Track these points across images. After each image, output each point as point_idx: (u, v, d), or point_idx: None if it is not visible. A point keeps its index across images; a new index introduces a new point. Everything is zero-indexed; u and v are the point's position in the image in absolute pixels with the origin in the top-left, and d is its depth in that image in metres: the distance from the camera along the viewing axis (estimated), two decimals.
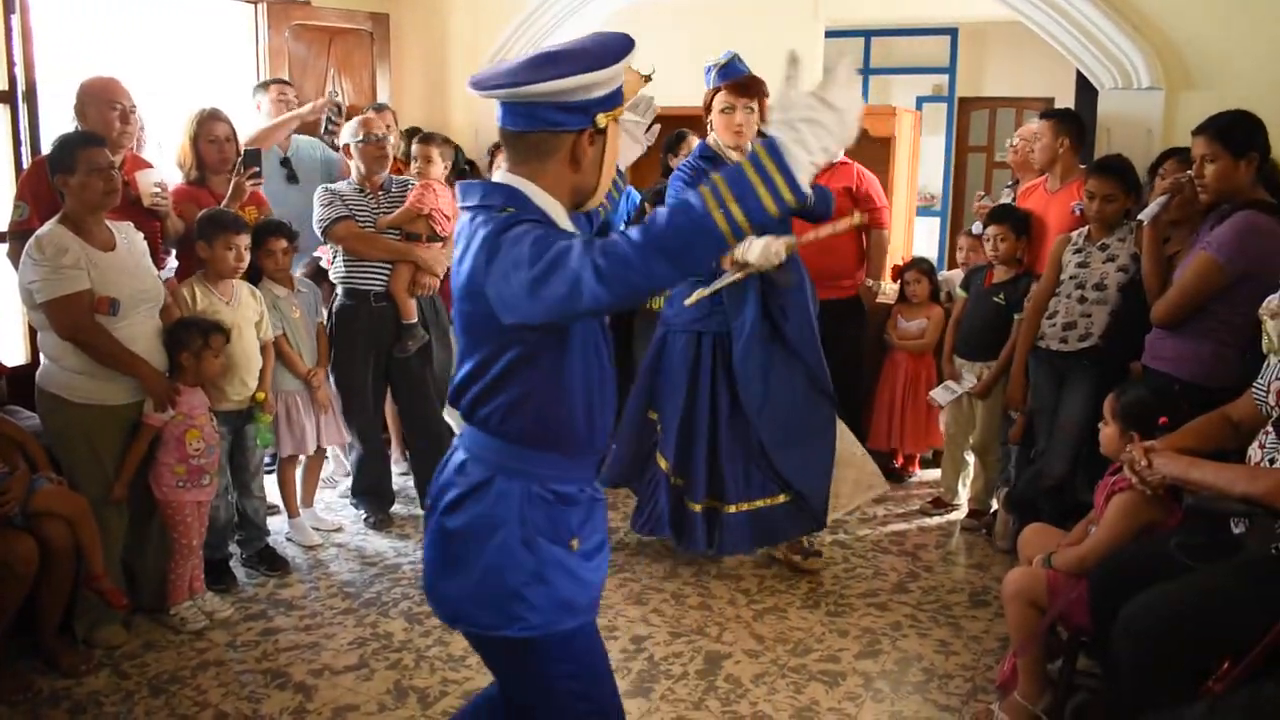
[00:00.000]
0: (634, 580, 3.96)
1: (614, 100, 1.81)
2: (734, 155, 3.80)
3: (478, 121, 6.21)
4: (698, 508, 3.85)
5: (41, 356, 3.44)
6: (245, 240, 3.78)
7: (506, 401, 1.84)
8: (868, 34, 8.95)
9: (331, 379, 4.38)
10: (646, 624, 3.60)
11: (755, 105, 3.77)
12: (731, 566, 4.08)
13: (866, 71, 9.37)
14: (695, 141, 5.17)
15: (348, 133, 4.32)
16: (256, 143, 4.58)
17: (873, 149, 5.99)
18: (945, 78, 9.32)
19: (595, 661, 1.94)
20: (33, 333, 4.42)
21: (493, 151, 5.42)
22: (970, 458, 4.70)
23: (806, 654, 3.41)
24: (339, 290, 4.38)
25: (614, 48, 1.78)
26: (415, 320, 4.35)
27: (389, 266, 4.30)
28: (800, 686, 3.20)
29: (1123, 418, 2.91)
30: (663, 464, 3.92)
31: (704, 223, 1.53)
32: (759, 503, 3.84)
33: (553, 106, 1.75)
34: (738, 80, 3.78)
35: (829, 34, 7.51)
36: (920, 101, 9.30)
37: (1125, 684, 2.38)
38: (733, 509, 3.82)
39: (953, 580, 4.02)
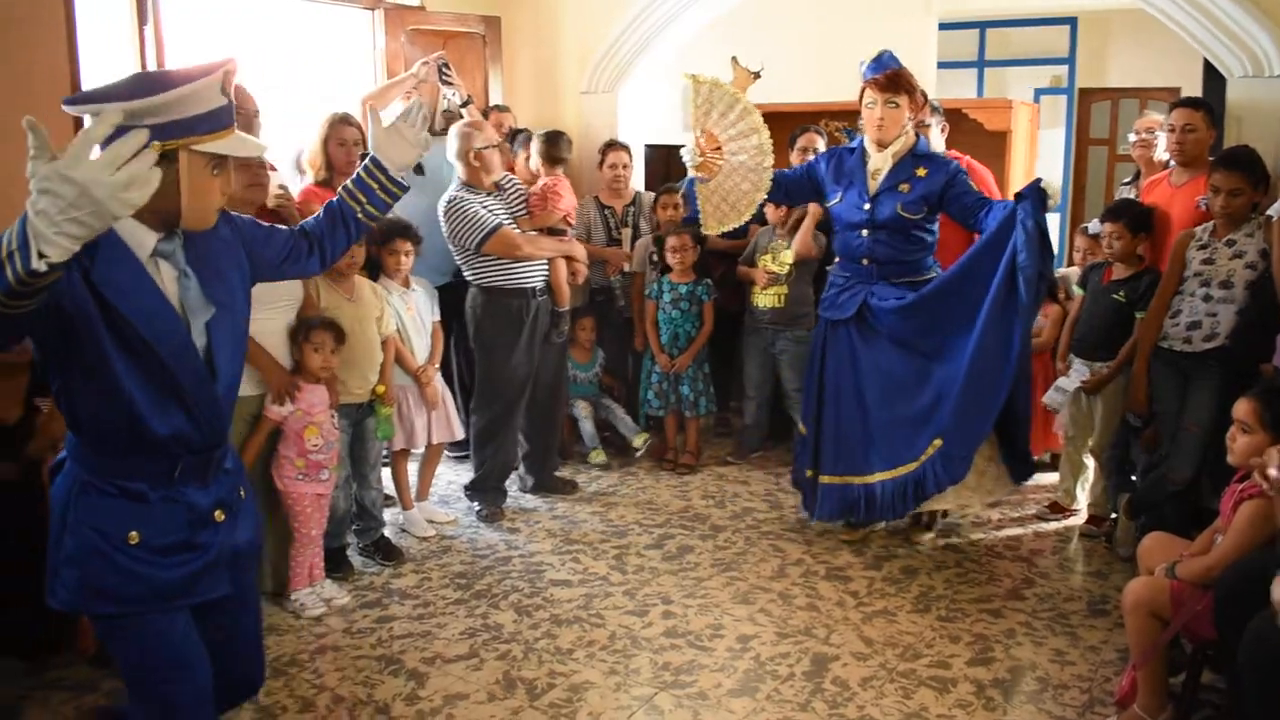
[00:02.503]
0: (741, 579, 3.96)
1: (176, 130, 1.88)
2: (872, 148, 4.02)
3: (587, 122, 6.27)
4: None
5: None
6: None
7: (57, 391, 1.99)
8: (982, 25, 8.76)
9: (481, 377, 4.56)
10: (753, 623, 3.60)
11: (899, 100, 3.88)
12: (840, 568, 4.05)
13: (981, 64, 9.18)
14: (816, 138, 5.19)
15: (460, 139, 4.40)
16: (375, 99, 4.88)
17: (988, 143, 5.88)
18: (1064, 69, 9.05)
19: (155, 651, 2.05)
20: None
21: (603, 151, 5.47)
22: (1090, 461, 4.56)
23: (916, 659, 3.36)
24: (484, 291, 4.48)
25: (158, 83, 1.88)
26: (568, 308, 4.70)
27: (543, 262, 4.51)
28: (909, 692, 3.15)
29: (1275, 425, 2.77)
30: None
31: None
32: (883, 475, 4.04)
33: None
34: (879, 76, 3.89)
35: (943, 26, 7.39)
36: (1038, 94, 9.04)
37: (1250, 708, 2.29)
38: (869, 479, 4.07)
39: (1070, 588, 3.91)
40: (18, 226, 1.58)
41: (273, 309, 3.55)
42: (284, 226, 2.44)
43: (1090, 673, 3.26)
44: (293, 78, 5.57)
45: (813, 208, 4.85)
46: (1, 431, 3.12)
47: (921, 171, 3.97)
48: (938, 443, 3.90)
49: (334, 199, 2.45)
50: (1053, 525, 4.53)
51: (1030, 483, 4.96)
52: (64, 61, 4.11)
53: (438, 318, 4.47)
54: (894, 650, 3.40)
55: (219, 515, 2.15)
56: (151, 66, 4.53)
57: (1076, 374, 4.38)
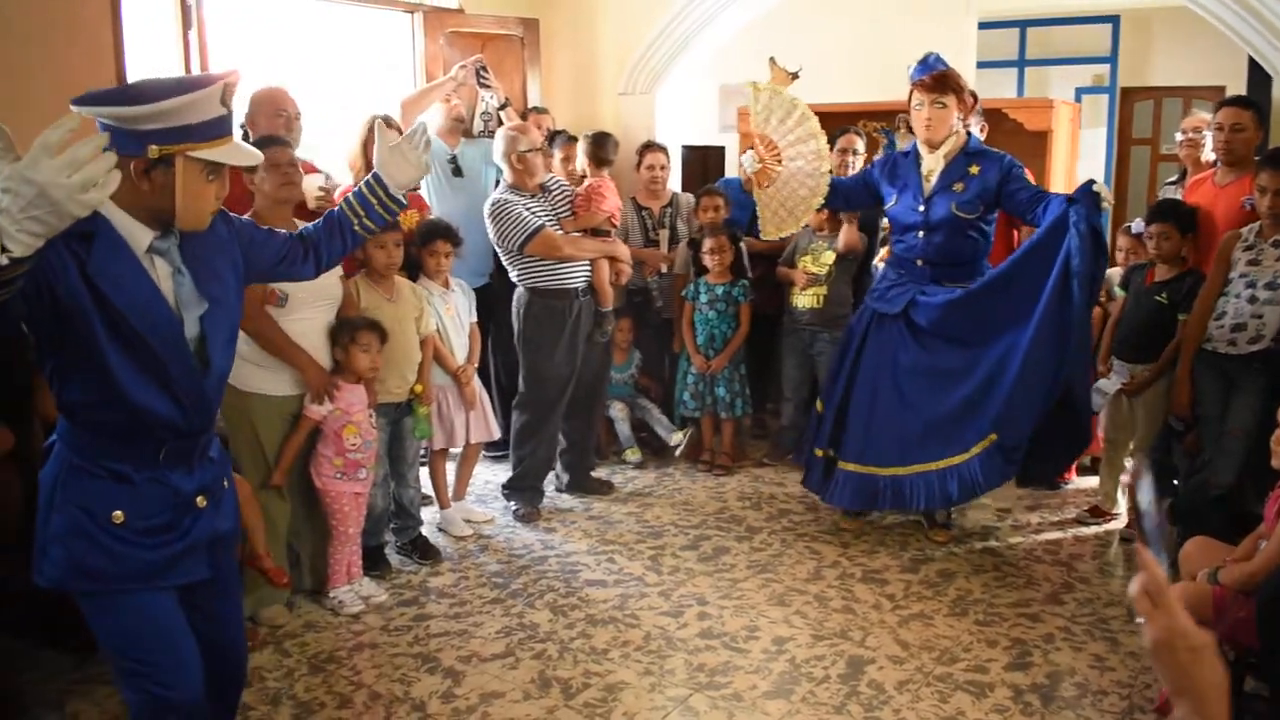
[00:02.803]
0: (776, 581, 3.95)
1: (174, 136, 1.97)
2: (924, 150, 4.06)
3: (625, 123, 6.29)
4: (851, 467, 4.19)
5: None
6: (395, 238, 3.92)
7: (49, 374, 2.08)
8: (1023, 24, 8.69)
9: (525, 377, 4.60)
10: (789, 625, 3.59)
11: (946, 101, 3.93)
12: (877, 570, 4.03)
13: (1021, 63, 9.10)
14: (856, 139, 5.19)
15: (505, 142, 4.43)
16: (411, 106, 4.91)
17: (1029, 143, 5.82)
18: (1106, 67, 8.96)
19: (141, 629, 2.13)
20: None
21: (640, 152, 5.48)
22: (1130, 465, 4.51)
23: (953, 663, 3.33)
24: (529, 292, 4.52)
25: (158, 90, 1.96)
26: (611, 308, 4.73)
27: (586, 263, 4.55)
28: (945, 696, 3.13)
29: None
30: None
31: None
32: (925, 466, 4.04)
33: (112, 131, 1.92)
34: (925, 77, 3.95)
35: (983, 26, 7.33)
36: (1079, 93, 8.96)
37: None
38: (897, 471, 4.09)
39: (1110, 593, 3.86)
40: None
41: (312, 309, 3.60)
42: (283, 230, 2.52)
43: (1130, 679, 3.22)
44: (334, 81, 5.63)
45: None
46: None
47: (975, 169, 4.00)
48: (993, 437, 3.91)
49: (335, 209, 2.54)
50: (1092, 529, 4.49)
51: (1070, 486, 4.94)
52: (110, 64, 4.20)
53: (475, 319, 4.50)
54: (930, 654, 3.38)
55: (201, 501, 2.22)
56: (195, 70, 4.60)
57: (1117, 376, 4.33)
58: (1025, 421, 3.86)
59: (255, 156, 2.23)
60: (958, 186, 4.00)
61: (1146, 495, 1.40)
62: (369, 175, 2.53)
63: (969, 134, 4.11)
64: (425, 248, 4.22)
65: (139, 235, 2.05)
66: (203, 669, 2.22)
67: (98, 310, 1.97)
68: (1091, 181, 3.81)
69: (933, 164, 4.06)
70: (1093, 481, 4.80)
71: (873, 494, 4.15)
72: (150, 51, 4.61)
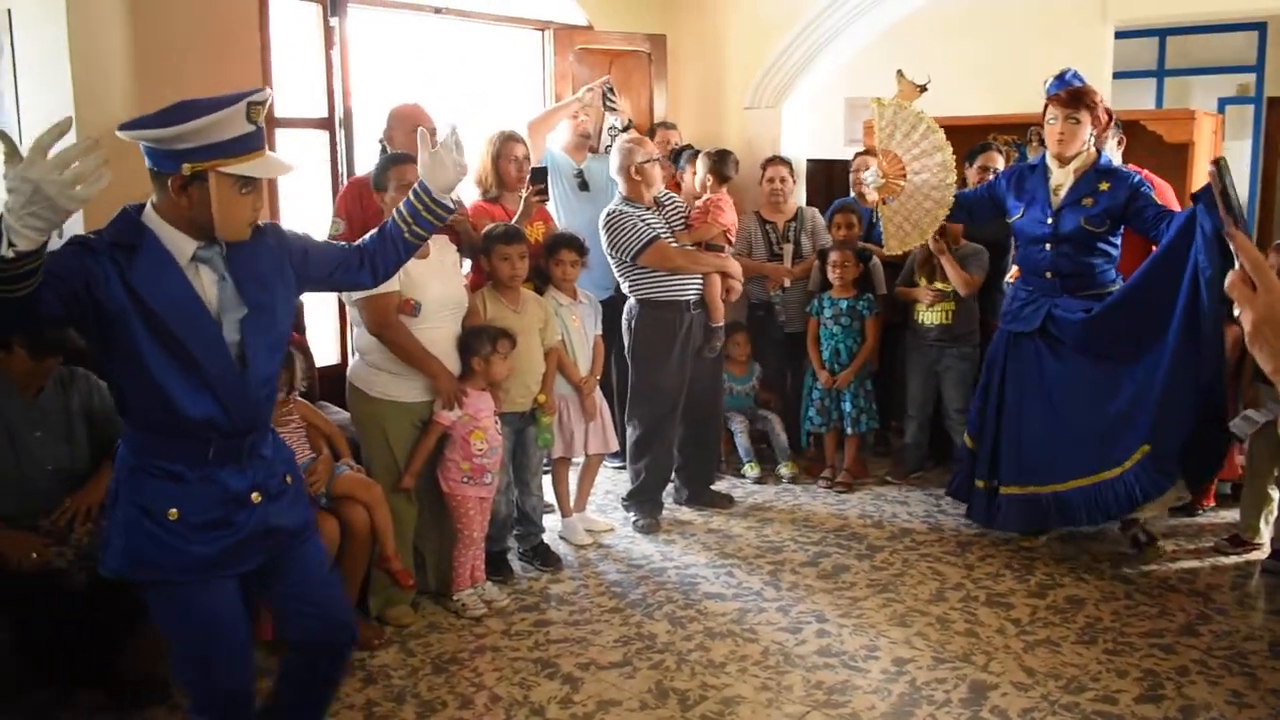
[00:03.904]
0: (898, 601, 3.90)
1: (204, 154, 2.12)
2: (1053, 163, 4.09)
3: (750, 137, 6.30)
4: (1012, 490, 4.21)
5: (352, 352, 3.80)
6: (519, 250, 4.01)
7: (110, 381, 2.25)
8: (1162, 33, 8.38)
9: (636, 388, 4.65)
10: (910, 646, 3.54)
11: (1080, 117, 3.96)
12: (1002, 594, 3.94)
13: (1160, 73, 8.78)
14: (996, 157, 5.12)
15: (622, 154, 4.50)
16: (537, 126, 5.00)
17: (1169, 156, 5.60)
18: (1251, 76, 8.57)
19: (192, 618, 2.26)
20: (343, 335, 4.89)
21: (764, 166, 5.49)
22: (1276, 493, 4.30)
23: (1080, 692, 3.23)
24: (640, 303, 4.58)
25: (188, 112, 2.10)
26: (723, 323, 4.72)
27: (699, 277, 4.57)
28: None
29: None
30: None
31: None
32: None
33: (149, 150, 2.15)
34: (1060, 92, 3.99)
35: (1119, 35, 7.09)
36: (1223, 103, 8.60)
37: None
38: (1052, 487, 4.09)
39: (1250, 626, 3.70)
40: None
41: (442, 318, 3.71)
42: (343, 243, 2.64)
43: (1269, 716, 3.07)
44: (467, 97, 5.79)
45: (933, 245, 4.76)
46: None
47: (1105, 185, 4.01)
48: (1145, 449, 3.88)
49: (389, 220, 2.62)
50: (1232, 559, 4.29)
51: (1207, 513, 4.75)
52: (257, 75, 4.43)
53: (600, 331, 4.57)
54: (1057, 682, 3.29)
55: (256, 497, 2.33)
56: (338, 86, 4.80)
57: (1270, 410, 4.15)
58: (1175, 432, 3.85)
59: (285, 168, 2.35)
60: (1087, 201, 4.00)
61: None
62: (415, 183, 2.61)
63: (1099, 152, 4.09)
64: (551, 258, 4.32)
65: (183, 245, 2.21)
66: (252, 660, 2.36)
67: (138, 314, 2.13)
68: (1219, 159, 3.68)
69: (1061, 178, 4.07)
70: (1232, 512, 4.59)
71: (1039, 513, 4.16)
72: (296, 68, 4.84)
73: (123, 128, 2.15)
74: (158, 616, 2.31)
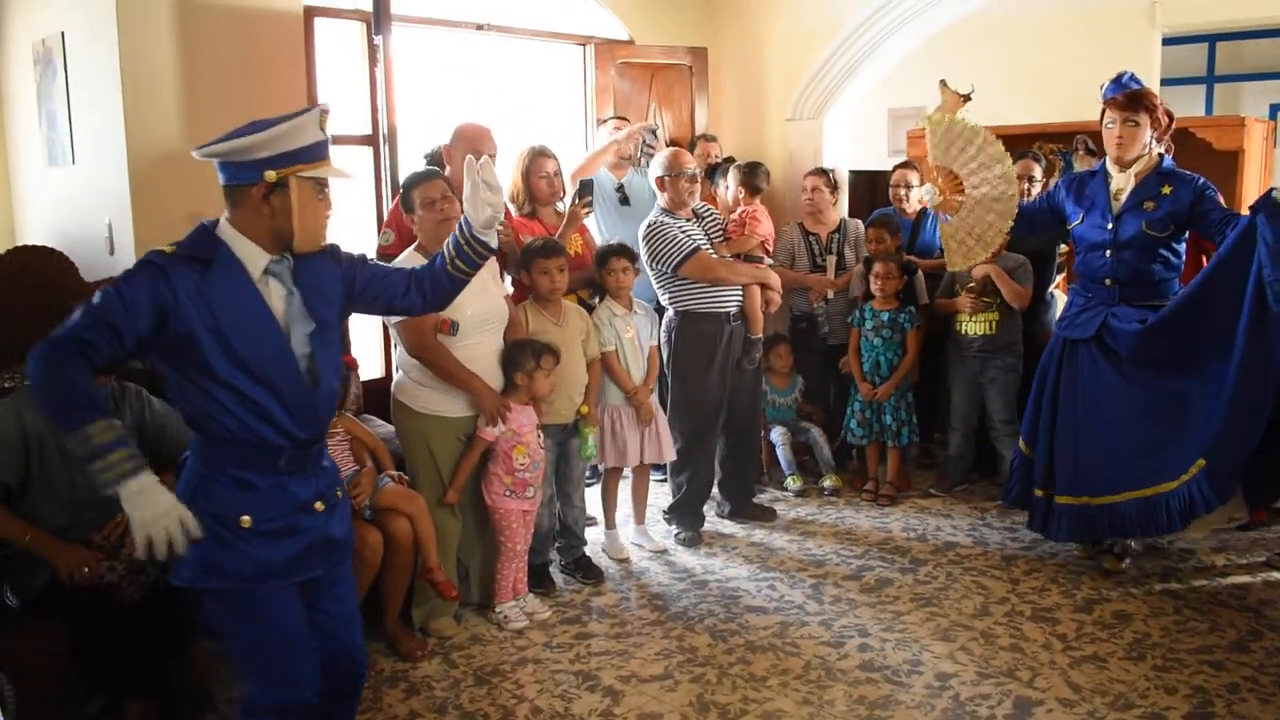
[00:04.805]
0: (941, 615, 3.86)
1: (284, 160, 2.24)
2: (1113, 168, 4.03)
3: (792, 148, 6.29)
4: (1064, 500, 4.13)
5: (395, 367, 3.84)
6: (558, 263, 4.03)
7: (178, 396, 2.31)
8: (1211, 39, 8.26)
9: (676, 401, 4.64)
10: (953, 661, 3.50)
11: (1139, 119, 3.90)
12: (1047, 609, 3.89)
13: (1210, 79, 8.65)
14: (1034, 165, 5.09)
15: (661, 166, 4.51)
16: (582, 172, 4.96)
17: (1218, 164, 5.53)
18: None
19: (260, 625, 2.31)
20: (387, 350, 4.94)
21: (805, 177, 5.48)
22: None
23: (1128, 709, 3.18)
24: (680, 315, 4.59)
25: (266, 123, 2.22)
26: (761, 335, 4.72)
27: (738, 289, 4.57)
28: None
29: None
30: None
31: None
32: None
33: (228, 165, 2.26)
34: (1118, 95, 3.93)
35: (1167, 41, 7.01)
36: (1274, 110, 8.45)
37: None
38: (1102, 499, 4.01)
39: None
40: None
41: (482, 334, 3.72)
42: (391, 266, 2.70)
43: None
44: (512, 113, 5.84)
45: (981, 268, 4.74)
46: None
47: (1167, 189, 3.92)
48: (1201, 463, 3.78)
49: (438, 254, 2.66)
50: None
51: (1260, 528, 4.65)
52: (302, 94, 4.52)
53: (655, 342, 4.56)
54: (1104, 698, 3.24)
55: (319, 506, 2.40)
56: (381, 103, 4.86)
57: None
58: (1237, 448, 3.74)
59: (348, 171, 2.48)
60: (1149, 204, 3.91)
61: None
62: (460, 218, 2.64)
63: (1161, 155, 4.00)
64: (604, 269, 4.34)
65: (257, 258, 2.29)
66: (319, 669, 2.39)
67: (209, 330, 2.20)
68: (1273, 189, 3.63)
69: (1122, 182, 3.99)
70: None
71: (1091, 524, 4.09)
72: (340, 86, 4.91)
73: (200, 149, 2.24)
74: (225, 625, 2.36)
